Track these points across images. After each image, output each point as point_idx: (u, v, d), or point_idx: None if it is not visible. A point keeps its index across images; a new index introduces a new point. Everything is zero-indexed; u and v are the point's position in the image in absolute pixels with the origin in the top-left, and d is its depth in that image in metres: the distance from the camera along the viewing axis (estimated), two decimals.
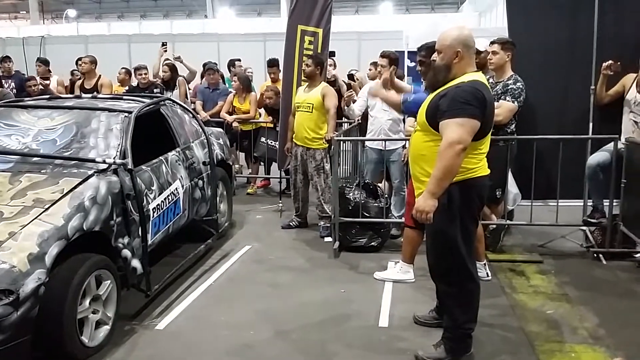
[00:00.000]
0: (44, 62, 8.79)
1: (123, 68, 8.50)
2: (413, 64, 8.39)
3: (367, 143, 5.85)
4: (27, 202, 3.32)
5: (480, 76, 3.10)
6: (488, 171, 3.16)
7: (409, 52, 9.05)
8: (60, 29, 27.58)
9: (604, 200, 4.95)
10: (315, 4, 6.17)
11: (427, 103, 3.10)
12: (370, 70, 6.95)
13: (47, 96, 5.88)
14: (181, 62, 8.18)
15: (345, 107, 5.95)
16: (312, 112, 5.60)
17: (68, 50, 13.79)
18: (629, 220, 4.85)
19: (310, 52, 6.13)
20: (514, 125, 4.80)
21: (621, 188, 4.83)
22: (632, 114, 4.88)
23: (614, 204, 4.91)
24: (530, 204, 5.11)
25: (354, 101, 5.93)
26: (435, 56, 3.17)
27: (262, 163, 7.70)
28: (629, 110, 4.93)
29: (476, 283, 3.21)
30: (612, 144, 4.84)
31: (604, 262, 4.89)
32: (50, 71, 8.74)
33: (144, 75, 7.54)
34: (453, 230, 3.07)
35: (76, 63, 8.51)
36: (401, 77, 5.89)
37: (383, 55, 5.43)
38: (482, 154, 3.11)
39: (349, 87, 6.07)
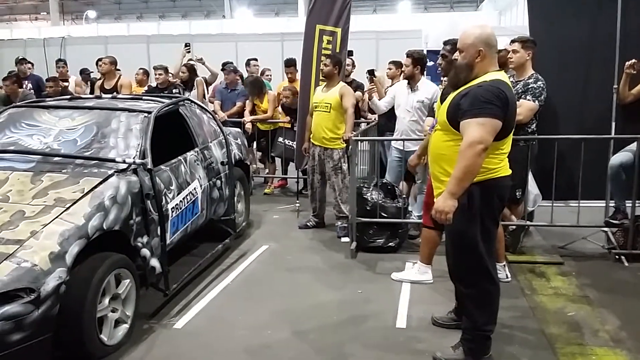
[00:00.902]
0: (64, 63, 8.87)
1: (141, 69, 8.55)
2: (432, 63, 8.35)
3: (392, 142, 5.82)
4: (49, 202, 3.37)
5: (502, 75, 3.06)
6: (509, 171, 3.12)
7: (428, 51, 9.01)
8: (80, 30, 27.93)
9: (627, 201, 4.88)
10: (333, 4, 6.14)
11: (448, 102, 3.07)
12: (390, 69, 6.92)
13: (68, 96, 5.94)
14: (203, 64, 8.19)
15: (369, 101, 5.95)
16: (330, 112, 5.59)
17: (88, 50, 13.92)
18: None
19: (329, 52, 6.11)
20: (534, 125, 4.75)
21: None
22: None
23: (637, 205, 4.82)
24: (551, 204, 5.04)
25: (380, 98, 5.91)
26: (456, 55, 3.14)
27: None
28: None
29: (496, 284, 3.17)
30: (635, 144, 4.76)
31: (626, 264, 4.82)
32: (67, 72, 8.82)
33: (157, 76, 7.55)
34: (473, 231, 3.03)
35: (96, 64, 8.60)
36: None
37: (407, 54, 5.44)
38: (504, 154, 3.07)
39: (371, 81, 6.07)
